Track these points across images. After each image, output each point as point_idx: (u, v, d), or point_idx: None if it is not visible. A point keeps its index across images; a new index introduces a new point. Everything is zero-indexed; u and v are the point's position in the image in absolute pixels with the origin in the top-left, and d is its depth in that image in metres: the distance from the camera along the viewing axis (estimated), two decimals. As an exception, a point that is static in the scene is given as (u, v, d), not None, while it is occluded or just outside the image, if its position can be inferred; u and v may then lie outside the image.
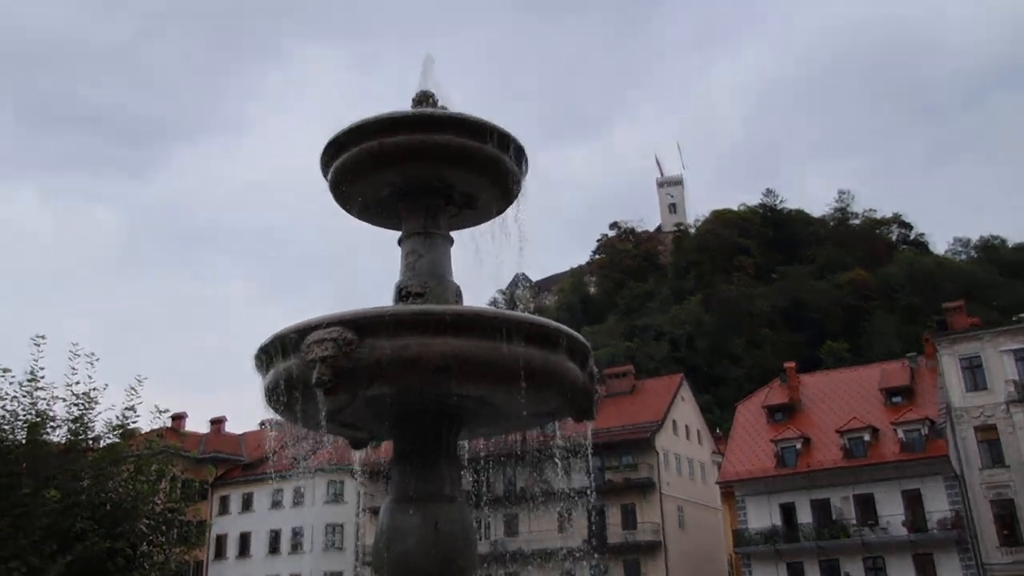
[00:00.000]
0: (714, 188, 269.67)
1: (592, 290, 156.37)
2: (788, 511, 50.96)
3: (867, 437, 50.01)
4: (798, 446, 51.81)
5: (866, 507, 48.86)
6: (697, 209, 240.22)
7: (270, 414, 7.83)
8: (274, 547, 66.99)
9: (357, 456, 9.27)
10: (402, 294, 8.49)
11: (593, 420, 8.38)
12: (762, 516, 51.26)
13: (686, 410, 64.74)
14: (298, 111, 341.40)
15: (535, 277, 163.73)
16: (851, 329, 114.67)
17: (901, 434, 49.18)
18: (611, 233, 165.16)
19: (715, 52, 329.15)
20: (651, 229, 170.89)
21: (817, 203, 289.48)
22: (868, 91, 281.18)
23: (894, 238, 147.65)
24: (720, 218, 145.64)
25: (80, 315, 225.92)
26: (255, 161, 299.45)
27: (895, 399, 52.74)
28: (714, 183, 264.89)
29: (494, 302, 71.46)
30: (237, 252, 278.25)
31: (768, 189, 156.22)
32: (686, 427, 63.70)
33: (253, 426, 76.33)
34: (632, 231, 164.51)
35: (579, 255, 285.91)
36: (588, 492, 51.84)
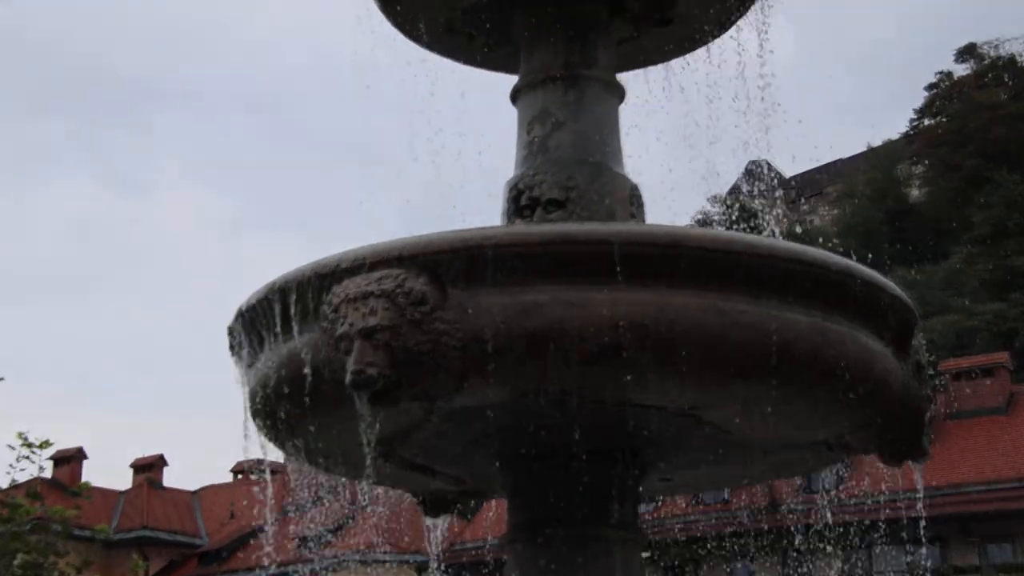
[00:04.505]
0: None
1: (915, 192, 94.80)
2: None
3: None
4: None
5: None
6: None
7: (257, 448, 4.77)
8: None
9: (433, 530, 6.12)
10: (522, 201, 5.26)
11: (925, 461, 5.09)
12: None
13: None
14: None
15: (791, 171, 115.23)
16: None
17: None
18: (961, 70, 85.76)
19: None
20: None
21: None
22: None
23: None
24: None
25: None
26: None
27: None
28: None
29: (704, 219, 49.62)
30: (195, 134, 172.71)
31: None
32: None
33: (221, 474, 50.74)
34: (1011, 61, 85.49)
35: (885, 127, 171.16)
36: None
